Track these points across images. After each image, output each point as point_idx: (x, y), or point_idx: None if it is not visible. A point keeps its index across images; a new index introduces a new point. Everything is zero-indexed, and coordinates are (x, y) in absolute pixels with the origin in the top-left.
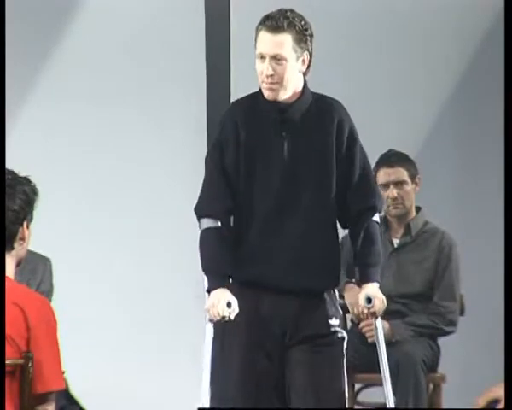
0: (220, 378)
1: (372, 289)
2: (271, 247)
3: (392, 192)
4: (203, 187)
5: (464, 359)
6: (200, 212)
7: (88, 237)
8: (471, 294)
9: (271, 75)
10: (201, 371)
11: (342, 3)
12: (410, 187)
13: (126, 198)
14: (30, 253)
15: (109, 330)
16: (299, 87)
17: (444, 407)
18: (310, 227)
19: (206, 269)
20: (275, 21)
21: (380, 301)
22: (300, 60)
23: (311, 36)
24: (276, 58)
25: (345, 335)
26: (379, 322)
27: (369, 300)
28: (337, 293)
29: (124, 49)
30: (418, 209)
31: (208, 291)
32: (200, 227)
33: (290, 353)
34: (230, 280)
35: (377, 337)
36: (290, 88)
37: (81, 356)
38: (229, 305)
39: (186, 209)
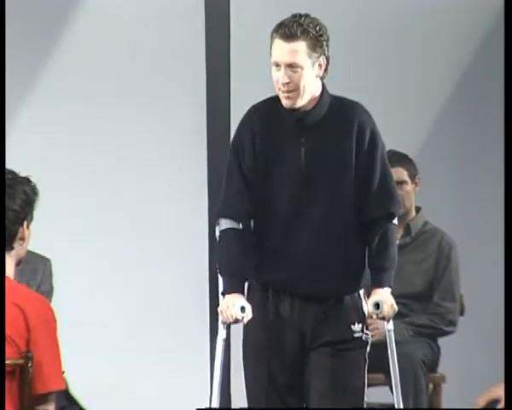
0: (245, 378)
1: (381, 294)
2: (291, 252)
3: None
4: (224, 189)
5: (464, 359)
6: (220, 212)
7: (88, 237)
8: (471, 294)
9: (287, 83)
10: (201, 371)
11: (342, 3)
12: (409, 187)
13: (126, 198)
14: (30, 253)
15: (109, 330)
16: (317, 92)
17: (444, 407)
18: (329, 233)
19: (223, 270)
20: (288, 29)
21: (388, 307)
22: (317, 65)
23: (327, 39)
24: (292, 66)
25: (369, 339)
26: (390, 326)
27: (377, 305)
28: (362, 296)
29: (123, 49)
30: (418, 209)
31: (223, 293)
32: (219, 228)
33: (311, 356)
34: (247, 283)
35: (388, 342)
36: (307, 94)
37: (81, 356)
38: (242, 309)
39: (186, 209)
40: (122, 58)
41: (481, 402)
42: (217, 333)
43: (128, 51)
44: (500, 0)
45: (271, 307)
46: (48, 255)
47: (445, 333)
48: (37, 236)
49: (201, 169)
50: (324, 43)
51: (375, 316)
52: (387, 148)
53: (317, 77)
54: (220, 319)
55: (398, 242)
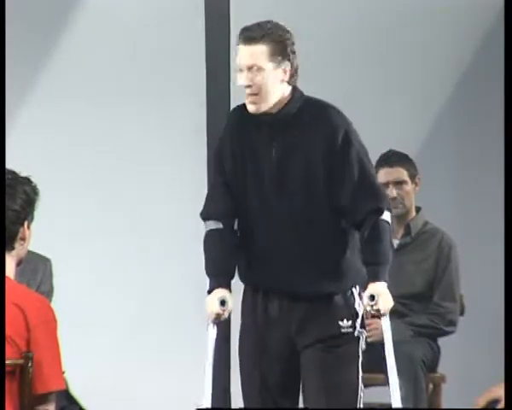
0: (241, 381)
1: (377, 287)
2: (274, 253)
3: (392, 192)
4: (208, 192)
5: (464, 359)
6: (203, 215)
7: (88, 237)
8: (471, 294)
9: (249, 86)
10: (201, 371)
11: (342, 4)
12: (409, 187)
13: (126, 198)
14: (30, 253)
15: (109, 330)
16: (285, 96)
17: (444, 407)
18: (309, 233)
19: (207, 270)
20: (249, 32)
21: (384, 299)
22: (280, 69)
23: (292, 44)
24: (253, 68)
25: (362, 334)
26: (386, 322)
27: (372, 297)
28: (356, 294)
29: (123, 49)
30: (418, 209)
31: (209, 292)
32: (205, 230)
33: (303, 353)
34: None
35: (385, 339)
36: (272, 98)
37: (81, 356)
38: (222, 303)
39: (186, 209)
40: (122, 58)
41: (481, 402)
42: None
43: (128, 51)
44: (500, 0)
45: (260, 308)
46: (48, 255)
47: (445, 333)
48: (38, 236)
49: (201, 169)
50: (288, 48)
51: (369, 308)
52: (387, 148)
53: (282, 82)
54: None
55: (397, 242)
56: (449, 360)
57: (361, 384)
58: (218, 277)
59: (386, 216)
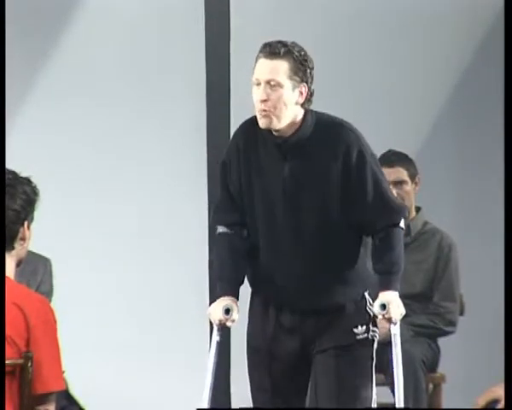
0: (249, 381)
1: (388, 296)
2: (280, 270)
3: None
4: (217, 199)
5: (464, 359)
6: (213, 220)
7: (88, 237)
8: (471, 294)
9: (265, 100)
10: (201, 371)
11: (342, 5)
12: (409, 187)
13: (126, 198)
14: (30, 253)
15: (109, 330)
16: (298, 119)
17: (444, 407)
18: (316, 250)
19: (216, 274)
20: (272, 48)
21: (395, 308)
22: (297, 90)
23: (311, 68)
24: (271, 83)
25: (376, 336)
26: (396, 329)
27: (383, 306)
28: (367, 296)
29: (123, 49)
30: (418, 209)
31: (216, 297)
32: (216, 232)
33: (316, 358)
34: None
35: (393, 345)
36: (285, 118)
37: (81, 356)
38: (227, 311)
39: (186, 209)
40: (122, 58)
41: (481, 402)
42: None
43: (128, 51)
44: (500, 0)
45: (272, 316)
46: (48, 255)
47: (445, 333)
48: (38, 236)
49: (201, 169)
50: (308, 70)
51: (381, 317)
52: (387, 148)
53: (296, 104)
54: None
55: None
56: (449, 360)
57: (374, 386)
58: (226, 283)
59: (402, 223)
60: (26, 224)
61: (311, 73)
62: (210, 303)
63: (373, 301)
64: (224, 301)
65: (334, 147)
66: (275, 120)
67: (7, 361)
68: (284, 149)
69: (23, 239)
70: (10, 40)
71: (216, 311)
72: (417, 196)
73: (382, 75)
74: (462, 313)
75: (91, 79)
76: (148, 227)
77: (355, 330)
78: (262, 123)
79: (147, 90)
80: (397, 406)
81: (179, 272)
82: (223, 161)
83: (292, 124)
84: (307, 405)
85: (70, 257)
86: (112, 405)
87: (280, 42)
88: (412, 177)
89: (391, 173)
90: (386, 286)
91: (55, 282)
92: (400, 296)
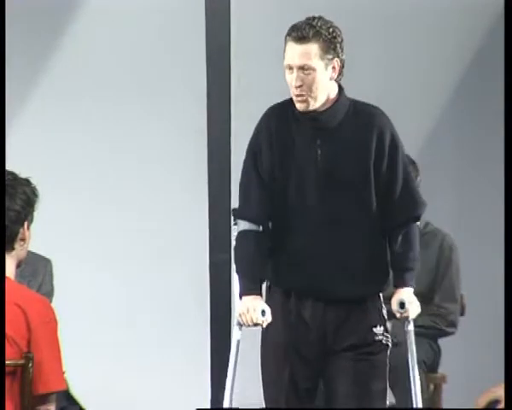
0: (262, 380)
1: (406, 293)
2: (311, 255)
3: None
4: (242, 191)
5: (464, 359)
6: (240, 214)
7: (88, 237)
8: (471, 294)
9: (300, 86)
10: (201, 371)
11: (342, 4)
12: None
13: (127, 198)
14: (30, 254)
15: (109, 330)
16: (333, 95)
17: (444, 407)
18: (349, 235)
19: (241, 272)
20: (300, 31)
21: (413, 306)
22: (330, 67)
23: (341, 42)
24: (304, 68)
25: (389, 342)
26: (410, 327)
27: (402, 305)
28: (382, 299)
29: (124, 49)
30: None
31: (241, 295)
32: (237, 228)
33: (333, 359)
34: (267, 285)
35: (408, 343)
36: (321, 97)
37: (81, 356)
38: (263, 313)
39: (186, 210)
40: (122, 58)
41: (481, 402)
42: (217, 334)
43: (128, 51)
44: (500, 0)
45: (293, 309)
46: (48, 256)
47: (446, 334)
48: (38, 236)
49: (201, 169)
50: (338, 45)
51: (399, 315)
52: None
53: (331, 79)
54: (237, 320)
55: None
56: (449, 361)
57: (389, 390)
58: (252, 282)
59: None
60: (25, 224)
61: (341, 45)
62: (210, 303)
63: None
64: (258, 302)
65: (368, 128)
66: (312, 102)
67: (8, 362)
68: (317, 126)
69: (23, 240)
70: (10, 40)
71: (252, 312)
72: None
73: (382, 75)
74: (462, 314)
75: (91, 80)
76: (148, 228)
77: (374, 330)
78: (300, 106)
79: (147, 91)
80: (414, 402)
81: (179, 272)
82: (251, 150)
83: (327, 100)
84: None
85: (70, 257)
86: (112, 405)
87: (308, 23)
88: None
89: None
90: (405, 283)
91: (55, 282)
92: None
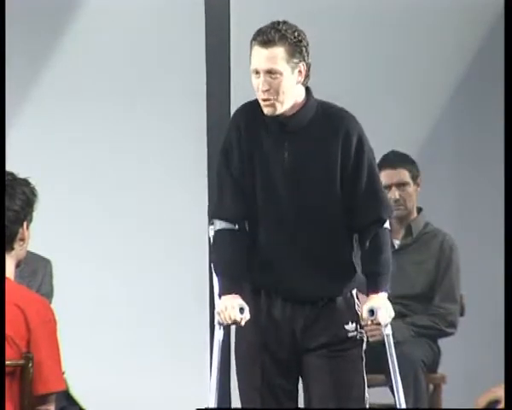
0: (238, 379)
1: (376, 300)
2: (279, 255)
3: (395, 194)
4: (216, 191)
5: (464, 359)
6: (215, 214)
7: (88, 238)
8: (471, 294)
9: (267, 90)
10: (201, 371)
11: (342, 4)
12: (412, 188)
13: (127, 199)
14: (30, 255)
15: (109, 331)
16: (300, 98)
17: (444, 407)
18: (316, 235)
19: (219, 271)
20: (266, 35)
21: (384, 313)
22: (296, 71)
23: (306, 45)
24: (271, 72)
25: (364, 337)
26: (388, 330)
27: (371, 312)
28: (355, 295)
29: (124, 49)
30: (419, 210)
31: (220, 294)
32: (213, 228)
33: (307, 358)
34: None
35: (387, 346)
36: (288, 101)
37: (81, 357)
38: (241, 311)
39: (186, 210)
40: (122, 58)
41: (481, 403)
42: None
43: (128, 51)
44: (500, 0)
45: (264, 307)
46: (48, 256)
47: (446, 334)
48: (37, 237)
49: (201, 169)
50: (303, 48)
51: (369, 322)
52: (388, 148)
53: (297, 83)
54: (217, 320)
55: (398, 242)
56: (449, 361)
57: (366, 386)
58: (232, 280)
59: (387, 224)
60: (25, 224)
61: (306, 49)
62: (210, 303)
63: (359, 300)
64: (236, 300)
65: (335, 129)
66: (279, 106)
67: (7, 362)
68: (285, 129)
69: (22, 240)
70: (10, 40)
71: (230, 310)
72: (418, 197)
73: (382, 75)
74: (462, 314)
75: (91, 80)
76: (148, 228)
77: (346, 327)
78: (267, 111)
79: (147, 91)
80: (397, 406)
81: (179, 272)
82: (223, 148)
83: (295, 104)
84: (300, 405)
85: (70, 258)
86: (112, 405)
87: (273, 27)
88: (414, 178)
89: (393, 175)
90: (376, 288)
91: (55, 282)
92: (401, 297)
